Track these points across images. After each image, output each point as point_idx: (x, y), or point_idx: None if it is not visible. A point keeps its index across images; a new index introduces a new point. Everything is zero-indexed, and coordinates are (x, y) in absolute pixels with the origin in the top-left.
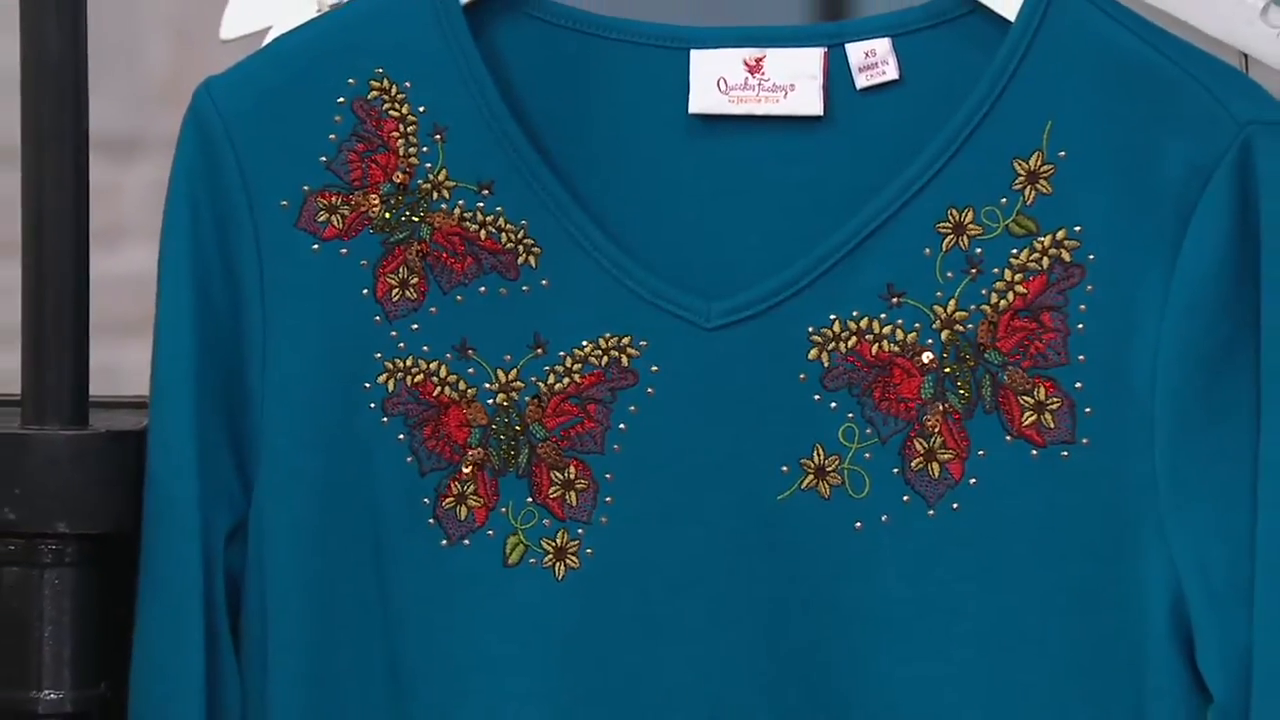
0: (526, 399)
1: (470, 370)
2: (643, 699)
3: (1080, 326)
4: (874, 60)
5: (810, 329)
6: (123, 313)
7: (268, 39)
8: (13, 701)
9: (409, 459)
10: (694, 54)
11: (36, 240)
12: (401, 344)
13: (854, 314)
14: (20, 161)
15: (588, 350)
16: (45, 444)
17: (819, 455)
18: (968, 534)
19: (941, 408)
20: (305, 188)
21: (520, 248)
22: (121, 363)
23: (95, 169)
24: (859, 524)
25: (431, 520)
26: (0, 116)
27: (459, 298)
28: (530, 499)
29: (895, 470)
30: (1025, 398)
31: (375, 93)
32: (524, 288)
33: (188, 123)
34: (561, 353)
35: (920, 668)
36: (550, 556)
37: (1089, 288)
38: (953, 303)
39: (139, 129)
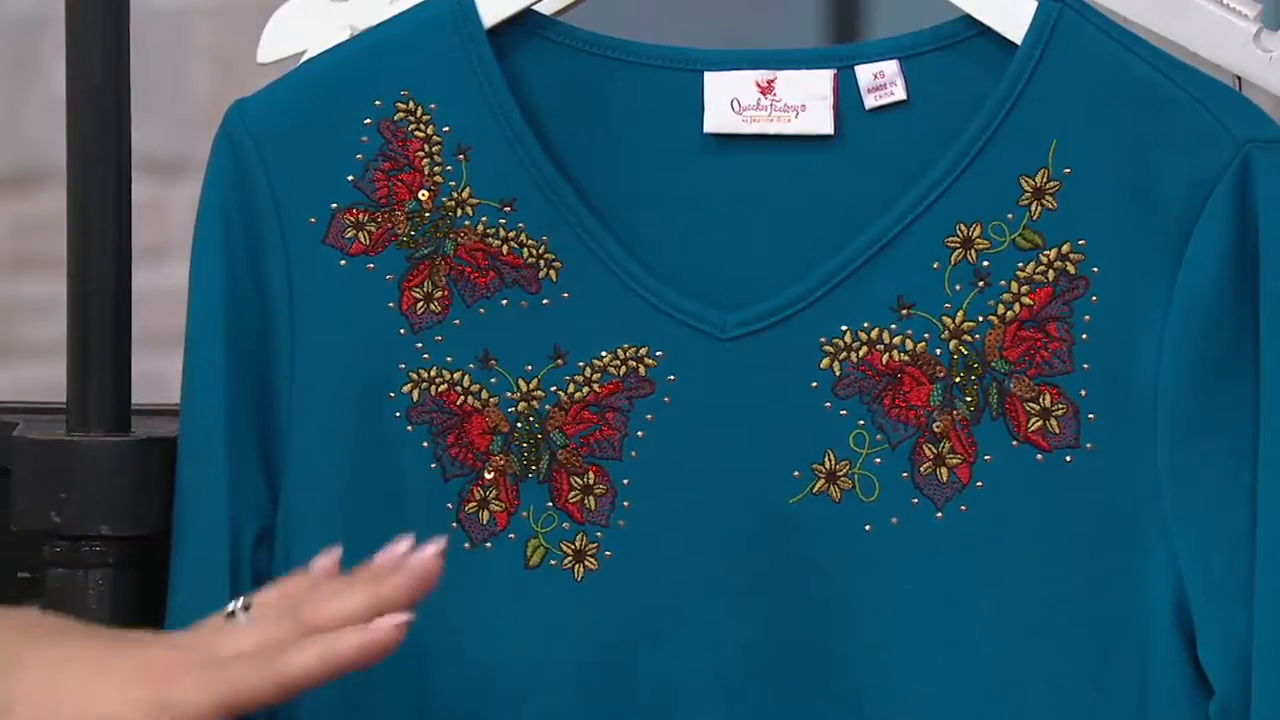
0: (547, 407)
1: (493, 380)
2: (659, 694)
3: (1085, 336)
4: (883, 81)
5: (822, 339)
6: (168, 324)
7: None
8: None
9: (433, 465)
10: (708, 76)
11: (81, 255)
12: (426, 355)
13: (865, 325)
14: (65, 180)
15: (606, 360)
16: (88, 450)
17: (830, 460)
18: (975, 535)
19: (950, 414)
20: (333, 205)
21: (541, 262)
22: (167, 372)
23: (142, 189)
24: (869, 526)
25: (454, 524)
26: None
27: (482, 310)
28: (550, 503)
29: (904, 474)
30: (1031, 404)
31: (401, 114)
32: (545, 300)
33: (220, 141)
34: (581, 363)
35: (928, 663)
36: (570, 559)
37: (1093, 299)
38: (961, 314)
39: (184, 151)
